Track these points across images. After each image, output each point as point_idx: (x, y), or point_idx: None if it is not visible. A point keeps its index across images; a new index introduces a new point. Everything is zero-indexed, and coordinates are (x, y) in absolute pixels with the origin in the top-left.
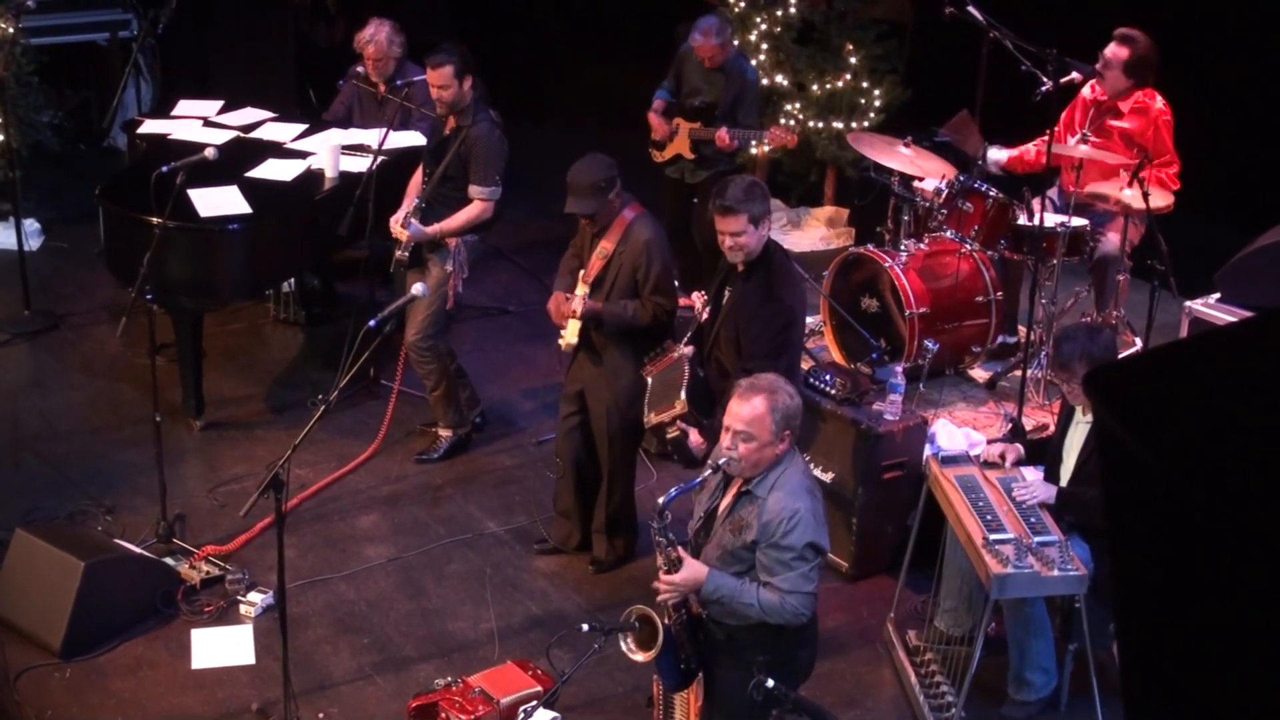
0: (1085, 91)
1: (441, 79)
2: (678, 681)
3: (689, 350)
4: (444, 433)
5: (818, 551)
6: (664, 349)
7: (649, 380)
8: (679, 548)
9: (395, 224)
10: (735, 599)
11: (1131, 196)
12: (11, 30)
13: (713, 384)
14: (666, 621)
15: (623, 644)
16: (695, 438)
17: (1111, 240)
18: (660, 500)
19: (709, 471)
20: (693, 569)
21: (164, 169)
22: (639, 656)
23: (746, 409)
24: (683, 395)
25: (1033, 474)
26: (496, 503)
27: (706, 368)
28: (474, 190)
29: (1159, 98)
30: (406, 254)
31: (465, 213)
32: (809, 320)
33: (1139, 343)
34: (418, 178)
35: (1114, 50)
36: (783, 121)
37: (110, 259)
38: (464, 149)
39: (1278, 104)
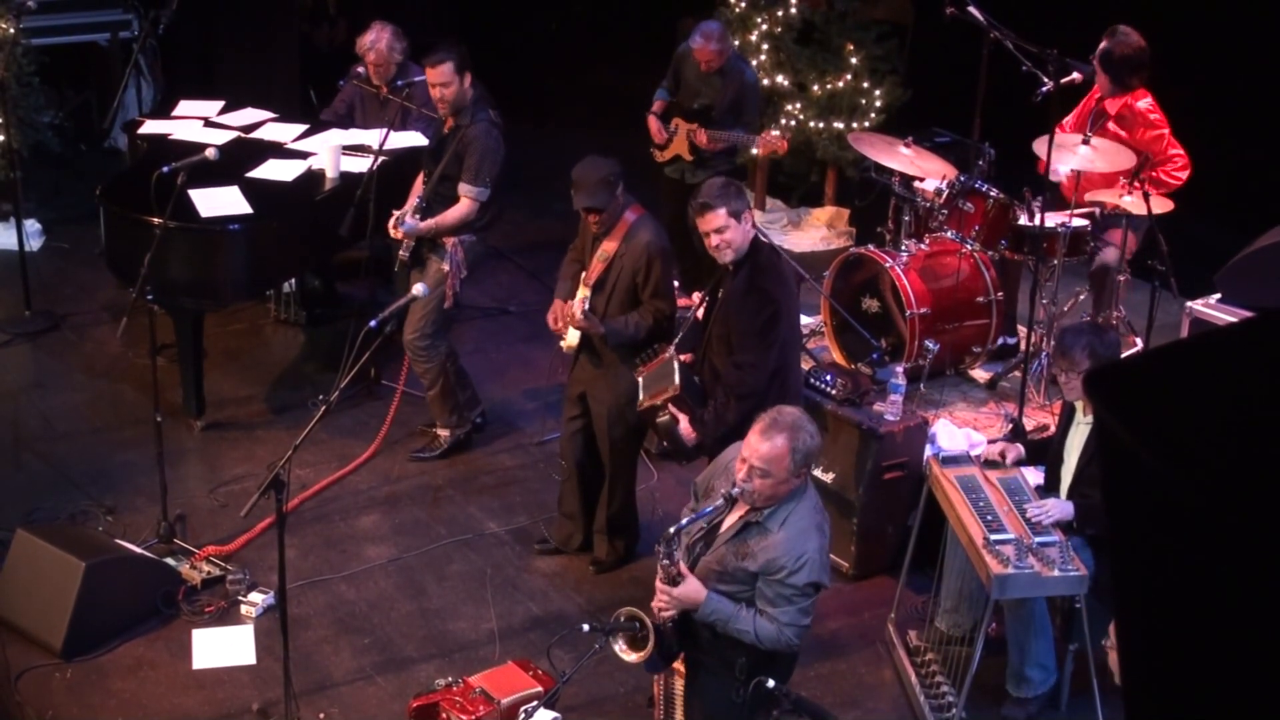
0: (1092, 95)
1: (441, 76)
2: (656, 665)
3: (685, 357)
4: (442, 432)
5: (818, 588)
6: (655, 351)
7: (640, 380)
8: (681, 565)
9: (390, 224)
10: (730, 624)
11: (1132, 203)
12: (12, 31)
13: (707, 388)
14: (657, 620)
15: (614, 646)
16: (685, 425)
17: (1111, 248)
18: (671, 529)
19: (720, 502)
20: (692, 588)
21: (165, 169)
22: (632, 657)
23: (767, 446)
24: (676, 380)
25: (1034, 475)
26: (497, 503)
27: (701, 371)
28: (462, 188)
29: (1145, 99)
30: (408, 254)
31: (455, 210)
32: (810, 321)
33: (1139, 343)
34: (421, 178)
35: (1101, 45)
36: (783, 122)
37: (111, 259)
38: (461, 147)
39: (1278, 104)
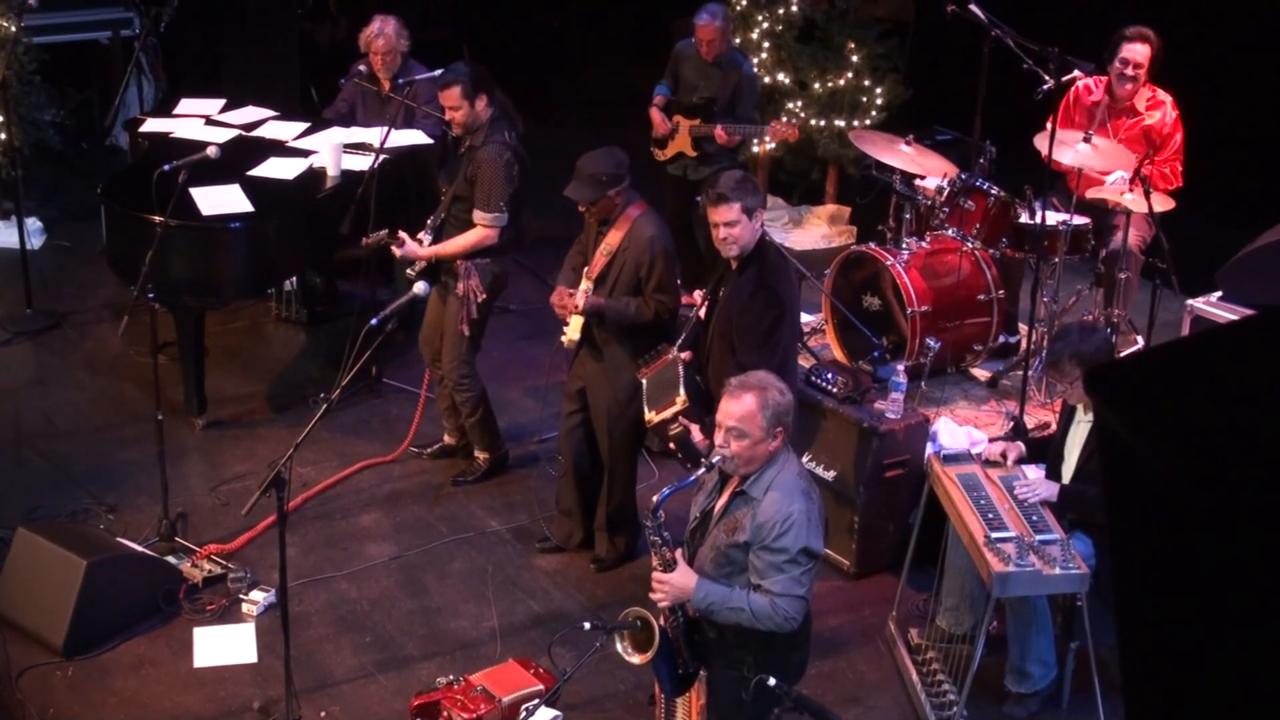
0: (1085, 93)
1: (451, 100)
2: (675, 686)
3: (685, 355)
4: (480, 455)
5: (811, 556)
6: (658, 351)
7: (644, 382)
8: (674, 550)
9: (394, 245)
10: (725, 605)
11: (1133, 200)
12: (14, 29)
13: (710, 386)
14: (663, 623)
15: (618, 646)
16: (698, 434)
17: (1118, 239)
18: (654, 499)
19: (703, 470)
20: (683, 575)
21: (166, 167)
22: (635, 659)
23: (737, 406)
24: (682, 391)
25: (1034, 472)
26: (498, 501)
27: (704, 370)
28: (476, 215)
29: (1165, 93)
30: (414, 271)
31: (465, 237)
32: (811, 318)
33: (1141, 341)
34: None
35: (1139, 51)
36: (784, 119)
37: (112, 258)
38: (471, 170)
39: (1278, 103)
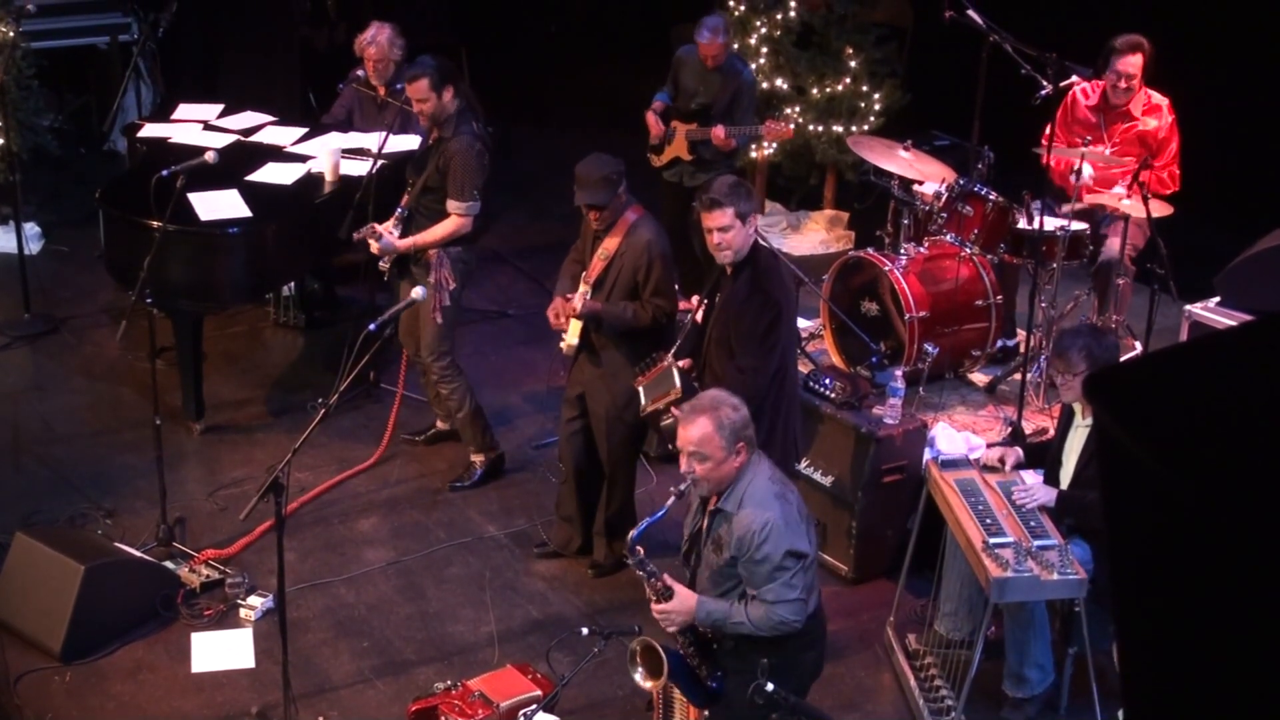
0: (1081, 99)
1: (418, 92)
2: (704, 699)
3: (682, 363)
4: (476, 458)
5: (797, 557)
6: (654, 359)
7: (640, 390)
8: (665, 577)
9: (370, 239)
10: (727, 621)
11: (1132, 206)
12: (12, 34)
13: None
14: (679, 648)
15: (634, 675)
16: None
17: (1113, 244)
18: (630, 535)
19: (673, 500)
20: (683, 600)
21: (164, 172)
22: (649, 684)
23: (694, 430)
24: (677, 383)
25: (1033, 477)
26: (496, 506)
27: (701, 376)
28: (450, 205)
29: (1161, 95)
30: (387, 264)
31: (441, 227)
32: (809, 324)
33: (1139, 346)
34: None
35: (1133, 62)
36: (776, 116)
37: (110, 262)
38: (443, 162)
39: (1277, 106)
